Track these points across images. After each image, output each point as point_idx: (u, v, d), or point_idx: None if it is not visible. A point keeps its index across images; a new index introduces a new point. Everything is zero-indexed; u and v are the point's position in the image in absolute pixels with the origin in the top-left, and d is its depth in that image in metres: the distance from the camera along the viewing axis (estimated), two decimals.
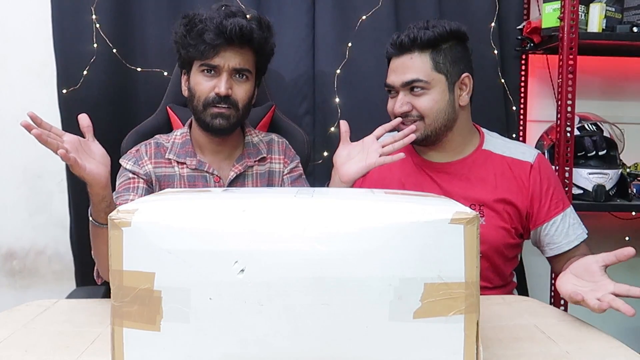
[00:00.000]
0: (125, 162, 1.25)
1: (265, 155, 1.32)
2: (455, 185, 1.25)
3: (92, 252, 1.10)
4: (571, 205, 1.28)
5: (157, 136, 1.32)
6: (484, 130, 1.32)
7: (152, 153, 1.26)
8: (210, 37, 1.16)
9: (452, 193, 1.22)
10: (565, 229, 1.24)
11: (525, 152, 1.28)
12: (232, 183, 1.26)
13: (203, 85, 1.20)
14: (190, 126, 1.31)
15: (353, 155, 1.16)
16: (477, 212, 0.64)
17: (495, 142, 1.29)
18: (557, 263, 1.26)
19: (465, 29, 1.24)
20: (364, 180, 1.26)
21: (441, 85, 1.21)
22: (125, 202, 1.14)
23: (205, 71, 1.20)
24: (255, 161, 1.30)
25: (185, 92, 1.27)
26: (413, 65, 1.20)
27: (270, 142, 1.35)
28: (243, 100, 1.22)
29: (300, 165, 1.37)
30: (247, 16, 1.21)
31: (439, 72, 1.20)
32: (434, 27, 1.19)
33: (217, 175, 1.26)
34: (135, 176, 1.23)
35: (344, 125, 1.20)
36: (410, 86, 1.20)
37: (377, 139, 1.18)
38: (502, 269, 1.25)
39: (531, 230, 1.26)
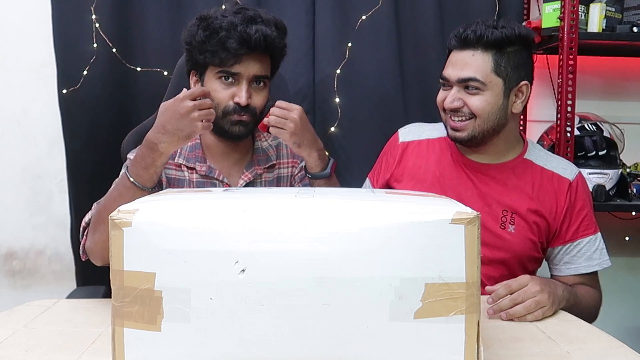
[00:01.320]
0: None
1: (274, 162, 1.29)
2: (491, 187, 1.23)
3: (95, 221, 1.07)
4: (600, 233, 1.25)
5: None
6: (528, 140, 1.30)
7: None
8: (233, 47, 1.11)
9: (487, 195, 1.22)
10: (589, 252, 1.21)
11: (566, 168, 1.25)
12: None
13: (221, 93, 1.16)
14: None
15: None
16: (478, 213, 0.64)
17: (537, 154, 1.27)
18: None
19: (533, 37, 1.21)
20: (397, 167, 1.27)
21: (497, 89, 1.17)
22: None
23: (223, 78, 1.16)
24: (264, 168, 1.28)
25: None
26: (473, 63, 1.16)
27: (279, 145, 1.33)
28: (261, 107, 1.20)
29: None
30: (265, 19, 1.17)
31: (498, 75, 1.16)
32: (503, 27, 1.16)
33: (226, 183, 1.23)
34: None
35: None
36: (466, 84, 1.17)
37: None
38: None
39: (554, 248, 1.23)
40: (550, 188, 1.22)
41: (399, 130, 1.40)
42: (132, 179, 1.00)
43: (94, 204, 1.15)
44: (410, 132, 1.37)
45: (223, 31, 1.12)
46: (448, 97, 1.19)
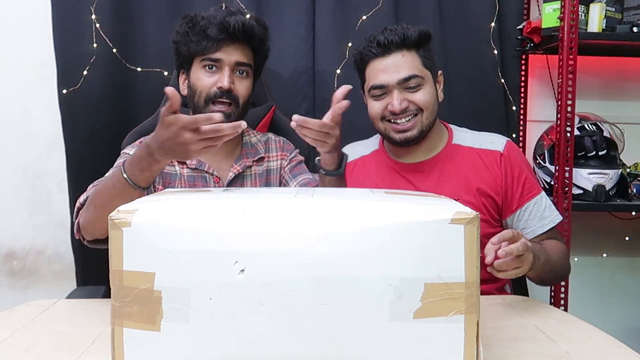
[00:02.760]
0: (130, 149, 1.25)
1: (263, 155, 1.32)
2: (428, 183, 1.27)
3: (88, 202, 1.07)
4: (543, 191, 1.29)
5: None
6: (451, 125, 1.35)
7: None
8: (213, 32, 1.18)
9: (425, 191, 1.23)
10: (539, 212, 1.25)
11: (494, 141, 1.30)
12: (231, 183, 1.26)
13: (204, 80, 1.21)
14: None
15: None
16: (478, 213, 0.64)
17: (464, 136, 1.32)
18: None
19: (431, 31, 1.28)
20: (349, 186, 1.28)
21: (430, 81, 1.25)
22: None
23: (207, 67, 1.21)
24: (253, 161, 1.31)
25: (185, 91, 1.27)
26: (405, 63, 1.22)
27: (268, 140, 1.36)
28: (244, 96, 1.23)
29: (299, 155, 1.38)
30: (245, 14, 1.24)
31: (427, 68, 1.24)
32: (408, 28, 1.23)
33: (216, 176, 1.26)
34: None
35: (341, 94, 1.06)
36: (407, 83, 1.22)
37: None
38: None
39: (506, 219, 1.26)
40: (483, 165, 1.27)
41: None
42: (126, 176, 1.00)
43: (90, 186, 1.16)
44: (348, 154, 1.37)
45: (204, 21, 1.19)
46: (394, 101, 1.22)
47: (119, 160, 1.23)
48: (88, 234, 1.11)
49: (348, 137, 1.38)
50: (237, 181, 1.28)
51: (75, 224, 1.13)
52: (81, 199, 1.14)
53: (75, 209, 1.14)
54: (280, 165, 1.34)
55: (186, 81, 1.26)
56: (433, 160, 1.30)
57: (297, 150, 1.38)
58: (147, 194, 1.17)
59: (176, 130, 0.90)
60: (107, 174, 1.14)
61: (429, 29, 1.26)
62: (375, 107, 1.27)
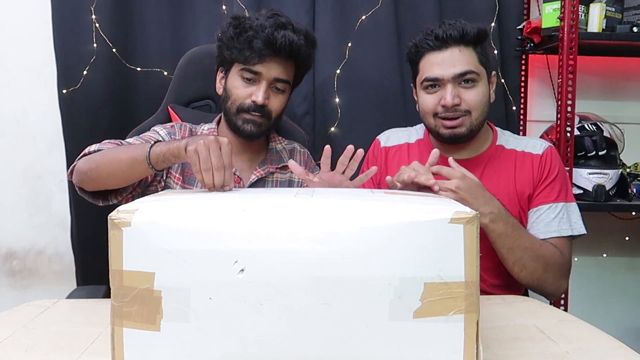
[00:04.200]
0: (160, 128, 1.26)
1: (286, 163, 1.31)
2: None
3: (99, 153, 1.08)
4: (575, 204, 1.27)
5: (188, 123, 1.31)
6: (496, 127, 1.35)
7: (186, 137, 1.25)
8: (258, 46, 1.15)
9: None
10: (548, 219, 1.22)
11: (536, 145, 1.30)
12: (252, 186, 1.26)
13: (240, 90, 1.20)
14: (218, 123, 1.31)
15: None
16: (477, 212, 0.64)
17: (507, 139, 1.32)
18: None
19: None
20: (383, 173, 1.30)
21: (484, 79, 1.24)
22: (148, 139, 1.15)
23: (246, 77, 1.19)
24: (277, 168, 1.31)
25: (220, 90, 1.27)
26: (463, 58, 1.21)
27: (293, 151, 1.36)
28: (277, 111, 1.23)
29: None
30: (295, 28, 1.20)
31: (483, 66, 1.24)
32: (466, 24, 1.22)
33: (237, 176, 1.25)
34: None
35: (326, 153, 1.12)
36: (463, 78, 1.21)
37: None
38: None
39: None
40: (525, 166, 1.27)
41: (378, 137, 1.44)
42: (148, 156, 0.98)
43: (105, 141, 1.16)
44: (390, 138, 1.41)
45: (251, 31, 1.16)
46: (448, 95, 1.21)
47: (149, 135, 1.22)
48: (78, 178, 1.10)
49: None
50: (258, 185, 1.28)
51: (72, 166, 1.13)
52: (92, 148, 1.13)
53: (81, 154, 1.13)
54: (302, 181, 1.32)
55: (223, 81, 1.25)
56: (477, 159, 1.29)
57: (318, 172, 1.37)
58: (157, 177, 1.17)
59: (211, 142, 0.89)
60: (127, 146, 1.12)
61: (487, 27, 1.26)
62: (427, 100, 1.25)
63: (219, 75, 1.28)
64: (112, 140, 1.17)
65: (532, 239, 1.17)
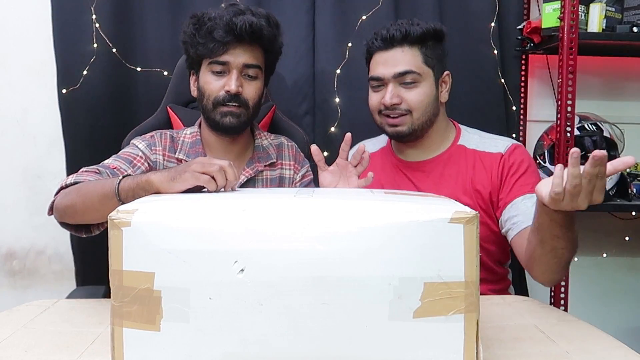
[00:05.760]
0: (139, 141, 1.24)
1: (275, 160, 1.30)
2: (428, 182, 1.28)
3: (74, 188, 1.05)
4: None
5: (168, 130, 1.31)
6: (461, 126, 1.35)
7: (167, 146, 1.25)
8: (219, 35, 1.15)
9: (425, 191, 1.25)
10: (526, 208, 1.16)
11: (498, 144, 1.29)
12: (242, 187, 1.25)
13: (213, 84, 1.19)
14: (200, 126, 1.30)
15: (336, 181, 1.14)
16: (477, 212, 0.64)
17: (470, 138, 1.32)
18: (518, 246, 1.16)
19: (446, 30, 1.28)
20: None
21: (429, 79, 1.25)
22: (117, 170, 1.13)
23: (215, 70, 1.19)
24: (265, 166, 1.29)
25: (195, 93, 1.26)
26: (404, 58, 1.23)
27: (280, 146, 1.34)
28: (253, 99, 1.21)
29: (310, 170, 1.37)
30: (255, 12, 1.20)
31: (428, 66, 1.25)
32: (418, 24, 1.24)
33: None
34: (142, 158, 1.21)
35: (316, 152, 1.12)
36: (403, 78, 1.23)
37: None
38: (489, 263, 1.26)
39: (500, 218, 1.23)
40: (484, 167, 1.26)
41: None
42: (116, 187, 0.95)
43: (83, 169, 1.13)
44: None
45: (210, 22, 1.16)
46: (387, 95, 1.24)
47: (128, 151, 1.21)
48: (58, 214, 1.09)
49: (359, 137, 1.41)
50: (248, 186, 1.27)
51: (51, 202, 1.10)
52: (68, 180, 1.10)
53: (59, 187, 1.11)
54: (293, 177, 1.33)
55: (196, 82, 1.24)
56: (435, 160, 1.30)
57: (308, 165, 1.37)
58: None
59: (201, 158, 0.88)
60: (98, 180, 1.08)
61: (441, 27, 1.27)
62: (372, 98, 1.30)
63: (192, 78, 1.26)
64: (90, 169, 1.13)
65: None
